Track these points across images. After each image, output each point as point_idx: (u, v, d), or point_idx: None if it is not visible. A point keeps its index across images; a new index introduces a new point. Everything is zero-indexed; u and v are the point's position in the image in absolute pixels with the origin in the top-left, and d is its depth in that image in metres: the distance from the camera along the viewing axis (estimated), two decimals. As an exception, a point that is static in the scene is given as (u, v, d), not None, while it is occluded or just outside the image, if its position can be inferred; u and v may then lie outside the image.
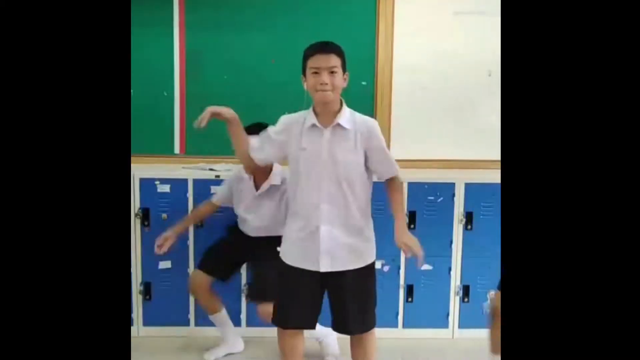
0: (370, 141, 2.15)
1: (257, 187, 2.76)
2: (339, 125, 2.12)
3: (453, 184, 3.07)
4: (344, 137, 2.12)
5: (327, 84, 2.06)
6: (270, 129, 2.24)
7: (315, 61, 2.07)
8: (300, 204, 2.17)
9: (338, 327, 2.29)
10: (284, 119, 2.23)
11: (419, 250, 2.09)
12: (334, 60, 2.08)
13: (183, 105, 3.30)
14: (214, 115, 2.14)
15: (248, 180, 2.77)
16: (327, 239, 2.14)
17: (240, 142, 2.24)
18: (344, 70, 2.13)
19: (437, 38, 3.32)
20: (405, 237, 2.11)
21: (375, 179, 2.27)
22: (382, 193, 2.99)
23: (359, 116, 2.18)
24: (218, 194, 2.88)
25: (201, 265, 2.87)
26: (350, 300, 2.20)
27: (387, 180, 2.24)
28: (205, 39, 3.27)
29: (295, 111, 2.27)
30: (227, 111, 2.18)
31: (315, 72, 2.07)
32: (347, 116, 2.14)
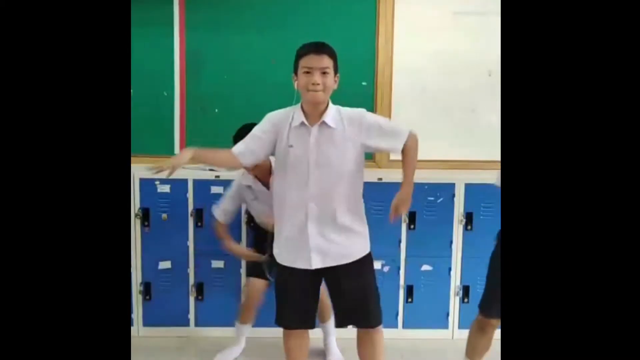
0: (363, 131, 2.14)
1: (268, 187, 2.71)
2: (324, 123, 2.12)
3: (453, 185, 3.08)
4: (331, 135, 2.13)
5: (318, 84, 2.06)
6: (257, 128, 2.22)
7: (308, 61, 2.08)
8: (288, 201, 2.18)
9: (338, 321, 2.30)
10: (271, 116, 2.22)
11: (400, 211, 2.15)
12: (327, 61, 2.09)
13: (183, 105, 3.30)
14: (175, 168, 2.05)
15: (255, 183, 2.73)
16: (316, 235, 2.15)
17: (216, 160, 2.26)
18: (336, 72, 2.13)
19: (437, 38, 3.32)
20: (398, 199, 2.14)
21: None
22: (381, 193, 3.01)
23: (346, 112, 2.17)
24: (222, 213, 2.79)
25: (253, 273, 2.83)
26: (348, 292, 2.22)
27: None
28: (205, 39, 3.27)
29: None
30: (183, 158, 2.07)
31: (307, 72, 2.08)
32: (333, 114, 2.15)
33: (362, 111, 2.19)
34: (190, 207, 3.05)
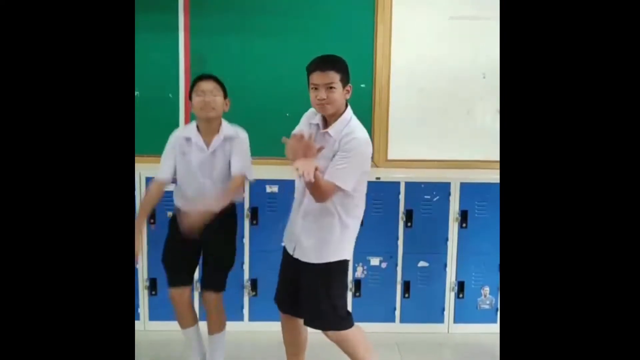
0: (338, 147, 2.18)
1: (208, 146, 2.50)
2: (327, 133, 2.22)
3: (449, 184, 3.12)
4: (329, 141, 2.21)
5: (324, 99, 2.15)
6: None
7: (314, 78, 2.17)
8: (296, 189, 2.37)
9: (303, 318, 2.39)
10: (306, 114, 2.38)
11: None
12: (332, 77, 2.15)
13: (188, 107, 3.33)
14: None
15: (196, 137, 2.49)
16: (301, 227, 2.30)
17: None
18: (346, 83, 2.19)
19: (433, 42, 3.36)
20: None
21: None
22: (379, 192, 3.08)
23: (350, 127, 2.20)
24: (163, 169, 2.56)
25: (170, 282, 2.63)
26: (305, 290, 2.31)
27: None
28: (209, 43, 3.32)
29: (297, 114, 2.42)
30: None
31: (315, 88, 2.17)
32: (337, 126, 2.20)
33: (358, 140, 2.17)
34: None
